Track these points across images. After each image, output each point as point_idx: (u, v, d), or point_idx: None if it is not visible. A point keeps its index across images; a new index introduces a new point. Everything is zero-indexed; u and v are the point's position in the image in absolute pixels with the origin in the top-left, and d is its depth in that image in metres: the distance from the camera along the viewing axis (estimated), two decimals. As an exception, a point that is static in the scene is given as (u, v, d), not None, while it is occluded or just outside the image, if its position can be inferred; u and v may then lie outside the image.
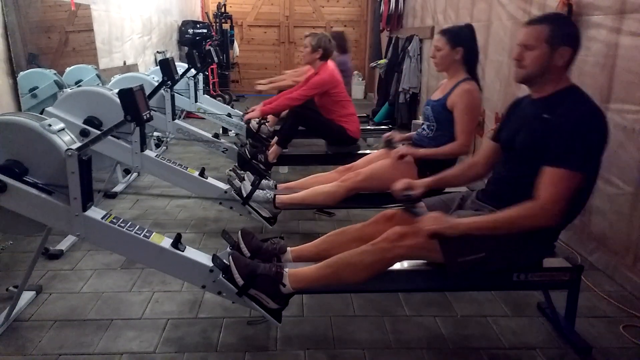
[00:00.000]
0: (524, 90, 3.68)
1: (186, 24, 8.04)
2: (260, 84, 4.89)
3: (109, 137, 2.63)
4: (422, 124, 2.84)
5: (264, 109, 3.94)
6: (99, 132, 2.34)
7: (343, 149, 3.75)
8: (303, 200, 2.75)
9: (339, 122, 3.70)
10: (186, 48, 7.62)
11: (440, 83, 2.89)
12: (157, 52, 6.62)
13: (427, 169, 2.66)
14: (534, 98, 1.83)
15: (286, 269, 1.81)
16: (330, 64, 3.91)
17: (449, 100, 2.60)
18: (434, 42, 2.70)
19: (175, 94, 4.08)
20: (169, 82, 3.72)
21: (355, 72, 9.27)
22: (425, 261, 1.88)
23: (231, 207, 2.83)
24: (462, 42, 2.61)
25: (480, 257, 1.74)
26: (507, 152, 1.91)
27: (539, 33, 1.72)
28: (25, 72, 3.31)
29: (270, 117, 4.48)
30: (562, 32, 1.71)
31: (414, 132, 2.97)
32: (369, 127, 5.05)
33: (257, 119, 4.12)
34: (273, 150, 3.63)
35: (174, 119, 3.99)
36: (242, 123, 4.66)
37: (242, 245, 1.97)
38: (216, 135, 3.88)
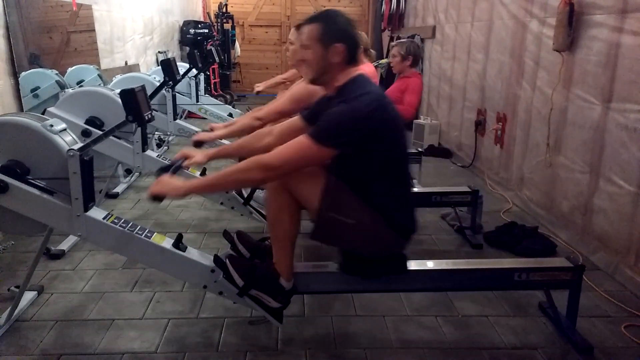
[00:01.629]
0: (525, 90, 3.70)
1: (187, 24, 8.04)
2: (257, 86, 4.90)
3: (111, 137, 2.63)
4: None
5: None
6: (100, 133, 2.34)
7: None
8: None
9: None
10: (187, 48, 7.62)
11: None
12: (159, 52, 6.62)
13: None
14: (329, 96, 1.83)
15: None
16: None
17: None
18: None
19: (177, 94, 4.08)
20: (170, 82, 3.73)
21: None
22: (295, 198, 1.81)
23: (232, 207, 2.83)
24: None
25: (348, 223, 1.72)
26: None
27: (312, 32, 1.74)
28: (27, 72, 3.32)
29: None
30: (332, 29, 1.73)
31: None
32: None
33: None
34: None
35: (175, 119, 4.00)
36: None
37: (240, 247, 1.98)
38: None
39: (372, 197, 1.74)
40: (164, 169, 1.86)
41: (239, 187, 1.72)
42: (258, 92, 4.81)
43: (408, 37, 6.57)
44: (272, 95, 4.83)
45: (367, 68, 4.13)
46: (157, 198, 1.70)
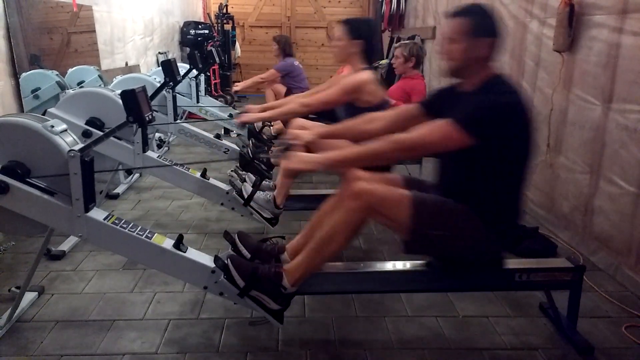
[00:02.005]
0: (525, 90, 3.69)
1: (188, 25, 8.05)
2: (236, 85, 5.06)
3: (111, 138, 2.63)
4: None
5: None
6: (101, 133, 2.34)
7: None
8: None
9: None
10: (188, 49, 7.62)
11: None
12: (159, 53, 6.62)
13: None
14: (464, 91, 1.82)
15: (284, 269, 1.81)
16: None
17: None
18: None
19: (177, 94, 4.08)
20: (170, 83, 3.73)
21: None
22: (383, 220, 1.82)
23: (233, 208, 2.83)
24: (362, 35, 2.63)
25: (443, 235, 1.73)
26: None
27: (461, 25, 1.74)
28: (28, 73, 3.32)
29: (278, 123, 4.48)
30: (482, 23, 1.74)
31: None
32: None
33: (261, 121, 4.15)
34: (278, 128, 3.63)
35: (175, 120, 4.00)
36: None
37: (241, 248, 1.97)
38: (218, 136, 3.89)
39: (479, 199, 1.74)
40: (285, 147, 1.91)
41: (375, 164, 1.72)
42: (236, 92, 4.88)
43: (408, 38, 6.57)
44: (258, 95, 4.89)
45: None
46: (295, 174, 1.70)
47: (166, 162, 2.93)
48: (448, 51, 1.78)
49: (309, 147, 2.14)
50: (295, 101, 2.71)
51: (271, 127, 4.34)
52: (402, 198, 1.74)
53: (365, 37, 2.63)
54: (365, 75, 2.60)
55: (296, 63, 5.24)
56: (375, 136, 1.94)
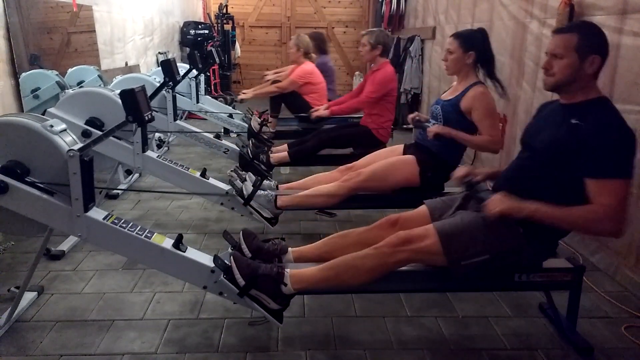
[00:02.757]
0: (525, 91, 3.70)
1: (188, 25, 8.05)
2: (244, 92, 4.84)
3: (111, 137, 2.63)
4: (429, 122, 2.82)
5: (333, 109, 3.89)
6: (100, 133, 2.34)
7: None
8: (305, 201, 2.75)
9: (373, 127, 3.64)
10: (188, 49, 7.62)
11: (451, 84, 2.88)
12: (159, 53, 6.63)
13: (428, 170, 2.66)
14: (563, 103, 1.83)
15: (287, 270, 1.81)
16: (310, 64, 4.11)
17: (462, 101, 2.59)
18: (447, 45, 2.71)
19: (177, 94, 4.08)
20: (170, 83, 3.72)
21: (357, 72, 9.28)
22: (427, 264, 1.88)
23: (232, 208, 2.83)
24: (474, 45, 2.61)
25: (483, 259, 1.75)
26: (525, 151, 1.92)
27: (568, 42, 1.72)
28: (28, 73, 3.32)
29: (272, 119, 4.50)
30: (591, 40, 1.72)
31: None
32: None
33: (259, 120, 4.14)
34: (279, 157, 3.61)
35: (175, 120, 4.00)
36: (244, 123, 4.67)
37: (244, 246, 1.97)
38: (218, 136, 3.89)
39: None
40: (470, 186, 1.99)
41: (572, 229, 1.79)
42: (242, 100, 4.81)
43: (408, 39, 6.58)
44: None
45: (305, 66, 4.29)
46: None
47: (166, 162, 2.93)
48: (550, 67, 1.77)
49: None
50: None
51: (269, 127, 4.33)
52: (430, 243, 1.76)
53: (478, 48, 2.64)
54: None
55: (330, 63, 5.18)
56: None
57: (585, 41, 1.71)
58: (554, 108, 1.88)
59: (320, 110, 3.98)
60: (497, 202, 1.74)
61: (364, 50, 3.65)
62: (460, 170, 2.09)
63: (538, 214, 1.70)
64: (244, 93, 4.74)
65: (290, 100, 4.53)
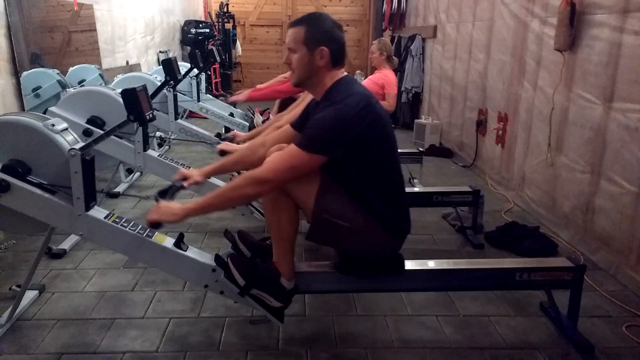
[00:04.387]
0: (526, 90, 3.70)
1: (189, 24, 8.05)
2: (237, 93, 4.85)
3: (112, 136, 2.63)
4: None
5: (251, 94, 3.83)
6: (101, 132, 2.34)
7: None
8: None
9: None
10: (189, 48, 7.63)
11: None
12: (160, 51, 6.63)
13: None
14: (317, 101, 1.82)
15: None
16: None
17: None
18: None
19: (178, 93, 4.08)
20: (171, 82, 3.72)
21: (358, 71, 9.27)
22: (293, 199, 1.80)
23: (233, 207, 2.83)
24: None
25: (342, 225, 1.72)
26: None
27: (297, 35, 1.72)
28: (29, 71, 3.32)
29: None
30: (317, 32, 1.71)
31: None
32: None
33: (262, 119, 4.14)
34: None
35: (176, 119, 4.00)
36: (245, 122, 4.67)
37: (242, 247, 1.98)
38: (218, 135, 3.89)
39: (365, 199, 1.73)
40: (163, 193, 1.84)
41: (236, 204, 1.71)
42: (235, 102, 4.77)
43: (409, 37, 6.57)
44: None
45: (390, 74, 4.17)
46: (156, 225, 1.70)
47: (167, 161, 2.93)
48: (289, 62, 1.77)
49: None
50: (271, 126, 2.69)
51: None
52: (312, 179, 1.73)
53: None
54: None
55: None
56: (258, 164, 1.84)
57: (311, 34, 1.71)
58: (313, 108, 1.85)
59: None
60: (153, 211, 1.72)
61: (374, 57, 3.97)
62: (177, 174, 2.01)
63: (197, 207, 1.71)
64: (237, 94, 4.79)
65: None
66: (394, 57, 4.42)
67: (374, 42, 4.18)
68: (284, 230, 1.81)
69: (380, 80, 3.89)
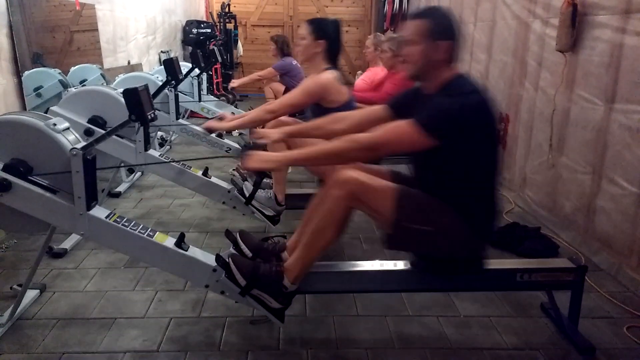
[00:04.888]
0: (527, 90, 3.69)
1: (190, 24, 8.05)
2: (233, 82, 5.15)
3: (113, 136, 2.63)
4: None
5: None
6: (103, 132, 2.34)
7: None
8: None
9: None
10: (190, 48, 7.62)
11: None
12: (161, 51, 6.63)
13: None
14: (427, 93, 1.81)
15: (284, 267, 1.82)
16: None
17: None
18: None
19: (179, 93, 4.08)
20: (173, 82, 3.72)
21: (359, 72, 9.26)
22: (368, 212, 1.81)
23: (234, 207, 2.84)
24: (325, 34, 2.60)
25: (425, 230, 1.71)
26: None
27: (418, 28, 1.72)
28: (30, 71, 3.33)
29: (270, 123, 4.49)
30: (440, 25, 1.72)
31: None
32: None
33: None
34: None
35: (177, 119, 4.00)
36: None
37: (243, 246, 1.97)
38: (220, 135, 3.89)
39: (456, 197, 1.72)
40: (248, 147, 1.89)
41: (334, 163, 1.71)
42: (233, 88, 4.98)
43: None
44: (259, 95, 4.93)
45: (383, 71, 4.18)
46: (260, 172, 1.71)
47: (168, 161, 2.93)
48: (406, 54, 1.77)
49: (288, 144, 2.15)
50: (261, 108, 2.68)
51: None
52: (387, 189, 1.73)
53: (329, 37, 2.61)
54: (328, 75, 2.59)
55: (294, 62, 5.27)
56: (342, 135, 1.90)
57: (434, 26, 1.70)
58: (418, 98, 1.85)
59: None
60: (249, 158, 1.73)
61: (384, 57, 3.77)
62: (255, 134, 2.06)
63: (297, 158, 1.74)
64: (233, 82, 5.08)
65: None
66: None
67: (369, 36, 4.18)
68: (328, 242, 1.79)
69: (370, 78, 3.91)
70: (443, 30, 1.72)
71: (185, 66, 4.73)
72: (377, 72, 4.27)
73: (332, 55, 2.64)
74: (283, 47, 5.33)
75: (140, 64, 5.71)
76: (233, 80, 5.22)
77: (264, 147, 1.99)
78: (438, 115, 1.64)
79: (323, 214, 1.76)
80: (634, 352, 2.00)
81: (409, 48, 1.76)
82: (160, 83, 3.71)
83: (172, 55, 6.68)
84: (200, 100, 4.89)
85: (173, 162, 2.93)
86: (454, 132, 1.63)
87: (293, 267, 1.80)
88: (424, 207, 1.73)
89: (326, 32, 2.60)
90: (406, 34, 1.77)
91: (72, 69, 3.98)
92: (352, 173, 1.73)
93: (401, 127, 1.65)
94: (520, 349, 1.99)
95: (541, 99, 3.41)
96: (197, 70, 4.62)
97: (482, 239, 1.81)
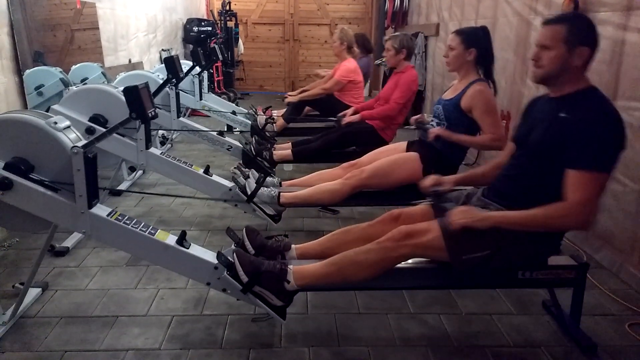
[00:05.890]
0: (529, 88, 3.69)
1: (191, 22, 8.05)
2: (290, 95, 4.81)
3: (114, 134, 2.63)
4: (431, 121, 2.82)
5: (364, 114, 3.82)
6: (104, 130, 2.34)
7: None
8: (308, 198, 2.75)
9: (379, 127, 3.70)
10: (191, 46, 7.62)
11: (451, 83, 2.87)
12: (162, 50, 6.63)
13: (432, 167, 2.66)
14: (552, 97, 1.81)
15: (290, 266, 1.82)
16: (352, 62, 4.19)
17: (462, 100, 2.58)
18: (448, 41, 2.69)
19: (180, 91, 4.08)
20: (174, 80, 3.72)
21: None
22: (429, 259, 1.88)
23: (236, 205, 2.84)
24: (476, 43, 2.60)
25: (486, 254, 1.74)
26: (519, 150, 1.91)
27: (556, 33, 1.71)
28: (31, 70, 3.33)
29: (279, 120, 4.47)
30: (579, 31, 1.70)
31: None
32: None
33: (265, 117, 4.15)
34: (282, 154, 3.61)
35: (179, 117, 4.00)
36: (247, 120, 4.67)
37: (247, 243, 1.98)
38: (221, 133, 3.89)
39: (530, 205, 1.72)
40: (437, 199, 1.99)
41: (542, 230, 1.75)
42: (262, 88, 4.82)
43: (413, 34, 6.55)
44: (260, 92, 4.81)
45: (348, 63, 4.26)
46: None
47: (169, 159, 2.94)
48: (539, 58, 1.75)
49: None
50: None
51: (274, 124, 4.34)
52: (433, 238, 1.76)
53: (479, 45, 2.62)
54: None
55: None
56: (490, 177, 2.02)
57: (574, 32, 1.69)
58: (543, 103, 1.86)
59: (349, 115, 3.90)
60: (459, 214, 1.74)
61: (388, 55, 3.69)
62: (426, 180, 2.09)
63: (504, 220, 1.71)
64: (290, 95, 4.74)
65: (323, 101, 4.45)
66: (355, 48, 4.49)
67: (335, 30, 4.17)
68: (360, 278, 1.81)
69: (334, 70, 3.94)
70: (582, 36, 1.70)
71: (186, 64, 4.73)
72: (346, 66, 4.30)
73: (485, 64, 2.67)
74: (365, 44, 5.16)
75: (141, 62, 5.71)
76: (290, 94, 4.86)
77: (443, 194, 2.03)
78: (606, 151, 1.63)
79: (371, 256, 1.78)
80: (635, 349, 2.00)
81: (541, 53, 1.74)
82: (161, 81, 3.71)
83: (173, 53, 6.67)
84: (201, 98, 4.89)
85: (175, 160, 2.93)
86: (617, 158, 1.64)
87: (307, 276, 1.81)
88: (472, 235, 1.74)
89: (476, 41, 2.62)
90: (541, 39, 1.75)
91: (73, 67, 3.98)
92: (407, 230, 1.78)
93: (593, 183, 1.61)
94: (522, 347, 1.99)
95: (543, 96, 3.40)
96: (198, 69, 4.63)
97: (547, 243, 1.82)
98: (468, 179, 2.13)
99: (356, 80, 4.39)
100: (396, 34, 3.81)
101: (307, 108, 4.61)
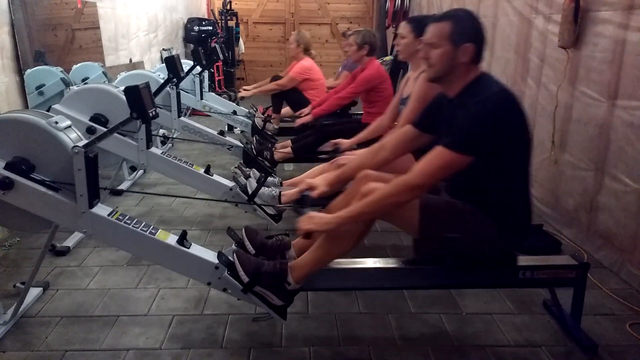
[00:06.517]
0: (530, 87, 3.68)
1: (192, 22, 8.04)
2: (245, 89, 4.99)
3: (115, 134, 2.63)
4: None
5: (315, 111, 3.90)
6: (105, 130, 2.35)
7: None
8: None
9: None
10: (192, 45, 7.62)
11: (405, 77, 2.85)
12: (163, 49, 6.62)
13: None
14: (449, 98, 1.81)
15: (290, 265, 1.82)
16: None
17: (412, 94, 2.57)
18: (399, 29, 2.68)
19: (181, 91, 4.08)
20: (174, 80, 3.72)
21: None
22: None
23: (236, 205, 2.83)
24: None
25: (454, 236, 1.73)
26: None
27: (441, 30, 1.71)
28: (32, 69, 3.33)
29: (275, 116, 4.51)
30: (463, 29, 1.70)
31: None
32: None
33: (263, 116, 4.14)
34: (283, 153, 3.62)
35: (179, 117, 4.00)
36: (247, 120, 4.67)
37: (247, 243, 1.97)
38: (222, 133, 3.89)
39: (489, 200, 1.74)
40: (300, 203, 1.98)
41: (389, 209, 1.72)
42: (243, 98, 4.95)
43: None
44: None
45: (305, 62, 4.46)
46: (307, 235, 1.72)
47: (170, 159, 2.94)
48: (429, 57, 1.76)
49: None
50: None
51: (272, 123, 4.35)
52: (409, 206, 1.73)
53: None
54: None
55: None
56: (384, 166, 1.99)
57: (458, 30, 1.69)
58: (446, 103, 1.85)
59: (304, 116, 4.01)
60: (305, 221, 1.72)
61: (350, 50, 3.75)
62: (301, 184, 2.07)
63: (354, 212, 1.69)
64: (245, 90, 4.86)
65: (290, 97, 4.60)
66: (312, 50, 4.74)
67: (292, 32, 4.29)
68: (342, 251, 1.81)
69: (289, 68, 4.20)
70: (466, 32, 1.71)
71: (186, 64, 4.73)
72: (302, 64, 4.53)
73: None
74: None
75: (142, 61, 5.71)
76: (245, 88, 5.05)
77: (315, 201, 2.01)
78: (468, 132, 1.63)
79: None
80: (636, 349, 2.00)
81: (429, 51, 1.75)
82: (162, 81, 3.71)
83: (173, 53, 6.67)
84: (202, 98, 4.88)
85: (175, 159, 2.93)
86: (487, 142, 1.63)
87: (301, 267, 1.81)
88: (450, 214, 1.75)
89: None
90: (428, 37, 1.76)
91: (74, 67, 3.98)
92: (376, 187, 1.73)
93: (437, 156, 1.64)
94: (523, 346, 1.99)
95: (543, 96, 3.40)
96: (198, 68, 4.62)
97: (513, 235, 1.81)
98: (344, 175, 2.08)
99: (313, 78, 4.56)
100: (359, 29, 3.87)
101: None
